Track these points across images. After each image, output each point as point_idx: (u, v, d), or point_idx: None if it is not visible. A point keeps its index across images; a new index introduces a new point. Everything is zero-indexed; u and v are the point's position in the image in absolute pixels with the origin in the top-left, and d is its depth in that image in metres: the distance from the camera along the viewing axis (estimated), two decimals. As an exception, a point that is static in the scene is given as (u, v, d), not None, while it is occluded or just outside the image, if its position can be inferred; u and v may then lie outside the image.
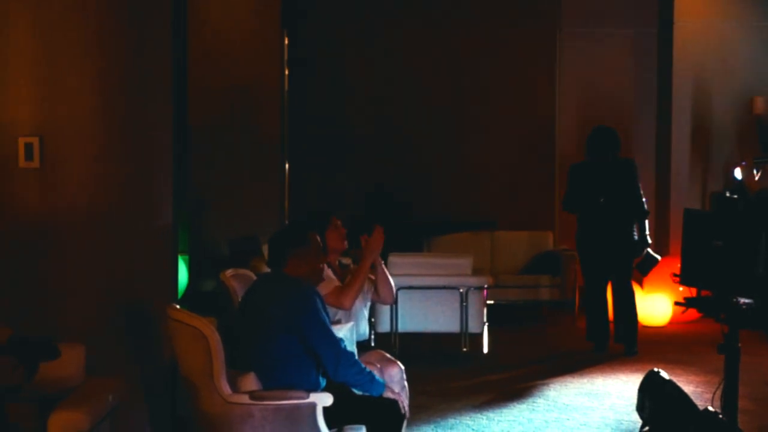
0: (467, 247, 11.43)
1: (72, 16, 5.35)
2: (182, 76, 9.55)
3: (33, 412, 4.44)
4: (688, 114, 12.46)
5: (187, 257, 10.19)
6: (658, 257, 9.62)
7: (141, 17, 5.59)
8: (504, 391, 8.07)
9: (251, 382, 4.88)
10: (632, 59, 12.81)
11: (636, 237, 9.42)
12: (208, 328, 4.81)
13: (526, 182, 12.71)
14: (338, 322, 5.86)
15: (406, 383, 5.88)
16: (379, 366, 5.72)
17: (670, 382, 6.62)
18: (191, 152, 10.12)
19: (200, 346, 4.79)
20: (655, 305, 11.03)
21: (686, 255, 6.10)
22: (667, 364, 8.48)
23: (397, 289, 8.93)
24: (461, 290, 9.16)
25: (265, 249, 6.03)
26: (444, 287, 9.19)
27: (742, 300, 5.61)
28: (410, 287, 9.02)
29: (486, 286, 9.30)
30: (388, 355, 6.03)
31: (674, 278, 6.19)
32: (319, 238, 5.29)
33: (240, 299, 5.44)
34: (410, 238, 11.58)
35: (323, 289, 5.78)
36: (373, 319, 8.84)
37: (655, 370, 6.87)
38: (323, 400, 4.81)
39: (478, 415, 7.28)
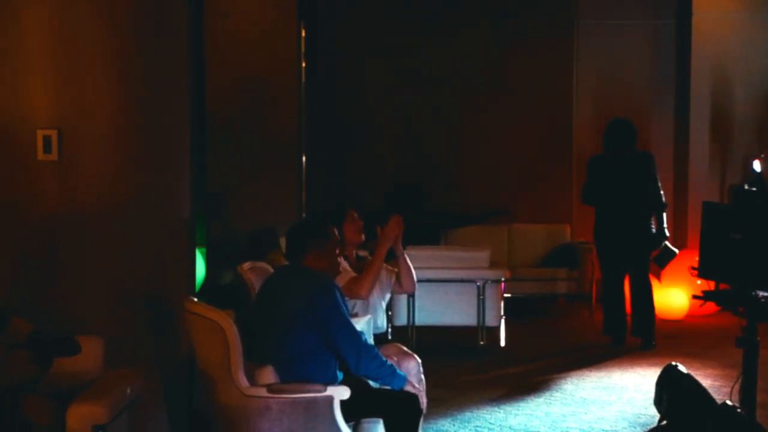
0: (484, 240, 11.41)
1: (90, 8, 5.36)
2: (200, 69, 9.56)
3: (51, 406, 4.45)
4: (706, 106, 12.40)
5: (204, 250, 10.21)
6: (676, 250, 9.59)
7: (159, 10, 5.59)
8: (521, 384, 8.06)
9: (269, 375, 4.88)
10: (650, 51, 12.76)
11: (654, 230, 9.39)
12: (225, 320, 4.82)
13: (543, 175, 12.67)
14: (356, 315, 5.86)
15: (423, 376, 5.88)
16: (396, 359, 5.72)
17: (687, 375, 6.60)
18: (208, 145, 10.13)
19: (218, 339, 4.80)
20: (673, 298, 10.99)
21: (704, 248, 6.07)
22: (684, 357, 8.46)
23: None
24: (478, 283, 9.15)
25: (283, 242, 6.03)
26: (461, 280, 9.18)
27: (761, 293, 5.58)
28: (427, 280, 9.00)
29: (503, 279, 9.29)
30: (405, 349, 6.03)
31: (692, 271, 6.17)
32: (336, 231, 5.29)
33: (257, 291, 5.44)
34: (427, 231, 11.56)
35: (340, 281, 5.80)
36: (390, 313, 8.83)
37: (673, 363, 6.85)
38: (341, 393, 4.81)
39: (495, 409, 7.27)
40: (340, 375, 5.07)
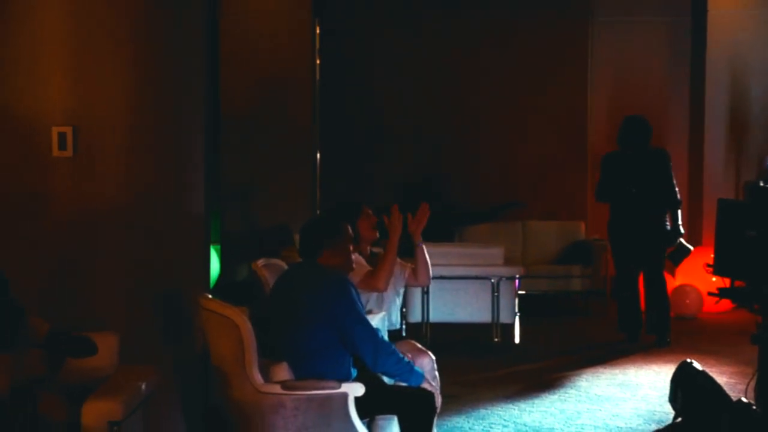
0: (498, 237, 11.40)
1: (106, 7, 5.37)
2: (214, 68, 9.58)
3: (66, 403, 4.47)
4: (721, 103, 12.35)
5: (218, 247, 10.23)
6: (691, 247, 9.56)
7: (174, 8, 5.61)
8: (535, 381, 8.05)
9: (283, 371, 4.88)
10: (665, 48, 12.73)
11: (669, 227, 9.37)
12: (240, 317, 4.82)
13: (557, 172, 12.65)
14: (370, 311, 5.86)
15: (437, 373, 5.87)
16: (410, 356, 5.72)
17: (702, 373, 6.58)
18: (223, 143, 10.15)
19: (232, 336, 4.81)
20: (688, 295, 10.96)
21: (719, 245, 6.05)
22: (699, 354, 8.44)
23: (429, 280, 8.94)
24: (493, 280, 9.14)
25: (297, 239, 6.05)
26: (475, 277, 9.18)
27: (777, 290, 5.56)
28: (442, 277, 9.00)
29: (517, 276, 9.28)
30: (419, 345, 6.03)
31: (707, 268, 6.15)
32: (350, 228, 5.30)
33: (271, 288, 5.45)
34: (441, 229, 11.56)
35: (355, 276, 5.80)
36: (404, 309, 8.84)
37: (688, 360, 6.83)
38: (355, 390, 4.81)
39: (510, 406, 7.26)
40: (354, 371, 5.08)
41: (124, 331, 5.06)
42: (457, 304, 9.19)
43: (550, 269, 11.48)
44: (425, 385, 5.06)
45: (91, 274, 5.39)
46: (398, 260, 6.17)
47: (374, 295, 6.10)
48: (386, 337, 5.66)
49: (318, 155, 11.35)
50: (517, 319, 9.28)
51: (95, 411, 4.31)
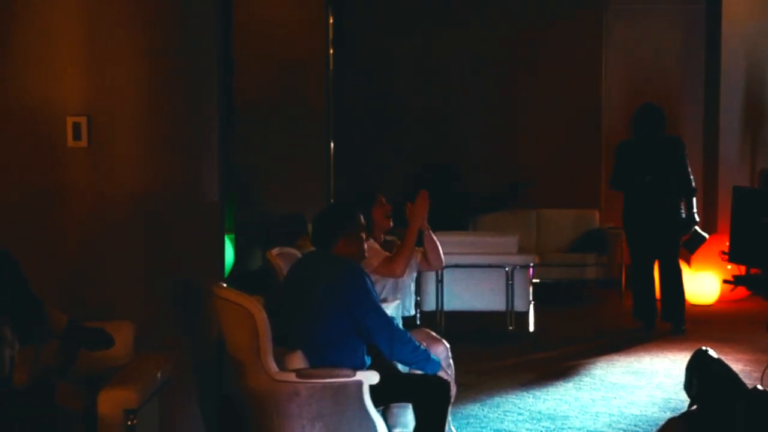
0: (513, 225, 11.41)
1: (119, -5, 5.38)
2: (228, 56, 9.58)
3: (82, 391, 4.48)
4: (736, 90, 12.31)
5: (233, 236, 10.24)
6: (706, 235, 9.54)
7: (187, -3, 5.61)
8: (550, 369, 8.05)
9: (298, 360, 4.89)
10: (680, 35, 12.68)
11: (683, 215, 9.35)
12: (254, 306, 4.83)
13: (572, 160, 12.63)
14: (384, 300, 5.87)
15: (451, 362, 5.88)
16: (425, 344, 5.72)
17: (718, 360, 6.57)
18: (237, 132, 10.15)
19: (247, 325, 4.82)
20: (703, 283, 10.94)
21: (735, 233, 6.05)
22: (715, 342, 8.42)
23: (443, 268, 8.94)
24: (507, 269, 9.14)
25: (311, 228, 6.05)
26: (489, 266, 9.17)
27: (792, 278, 5.54)
28: (456, 266, 9.00)
29: (532, 264, 9.28)
30: (433, 334, 6.04)
31: (723, 256, 6.15)
32: (362, 217, 5.29)
33: (284, 276, 5.46)
34: (456, 217, 11.56)
35: (373, 261, 5.82)
36: (418, 298, 8.84)
37: (703, 348, 6.81)
38: (370, 378, 4.82)
39: (524, 394, 7.27)
40: (368, 360, 5.08)
41: (140, 320, 5.07)
42: (472, 292, 9.19)
43: (564, 258, 11.47)
44: (441, 374, 5.06)
45: (107, 263, 5.39)
46: None
47: (389, 283, 6.11)
48: (401, 326, 5.67)
49: (332, 144, 11.35)
50: (531, 307, 9.27)
51: (111, 399, 4.32)
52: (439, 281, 9.14)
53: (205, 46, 5.75)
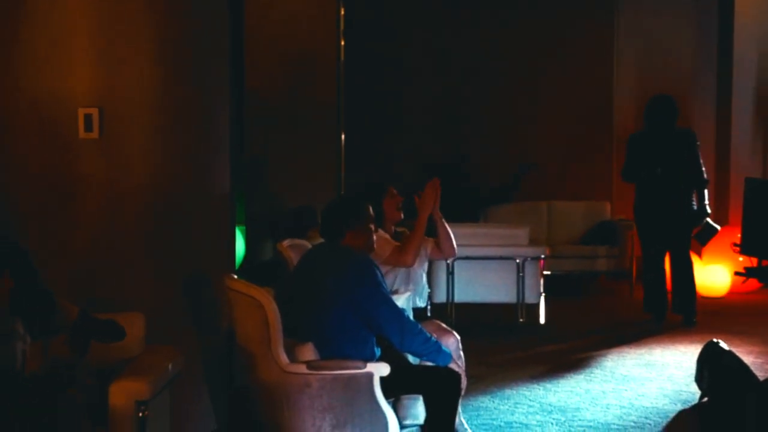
0: (524, 217, 11.39)
1: (129, -13, 5.38)
2: (239, 47, 9.57)
3: (94, 382, 4.50)
4: (749, 81, 12.26)
5: (243, 228, 10.25)
6: (718, 227, 9.51)
7: (197, -12, 5.61)
8: (561, 361, 8.05)
9: (309, 351, 4.90)
10: (692, 26, 12.63)
11: (695, 207, 9.32)
12: (265, 297, 4.84)
13: (583, 152, 12.60)
14: (396, 291, 5.87)
15: (462, 353, 5.88)
16: (435, 336, 5.72)
17: (729, 352, 6.57)
18: (247, 123, 10.15)
19: (258, 316, 4.82)
20: (714, 275, 10.93)
21: (747, 224, 6.03)
22: (726, 334, 8.40)
23: (454, 260, 8.95)
24: (518, 261, 9.13)
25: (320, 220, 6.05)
26: (500, 258, 9.17)
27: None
28: (467, 258, 9.00)
29: (543, 256, 9.27)
30: (444, 326, 6.04)
31: (734, 248, 6.13)
32: (372, 209, 5.28)
33: (294, 268, 5.46)
34: (466, 209, 11.55)
35: (384, 252, 5.83)
36: (429, 290, 8.84)
37: (714, 340, 6.81)
38: (380, 370, 4.82)
39: (535, 386, 7.26)
40: (378, 351, 5.08)
41: (151, 312, 5.08)
42: (482, 284, 9.19)
43: (575, 250, 11.46)
44: (452, 365, 5.06)
45: (118, 254, 5.41)
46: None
47: (401, 274, 6.12)
48: (412, 317, 5.66)
49: (343, 136, 11.34)
50: (542, 299, 9.27)
51: (123, 391, 4.34)
52: (450, 273, 9.14)
53: (216, 37, 5.76)
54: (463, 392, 5.28)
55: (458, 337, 5.91)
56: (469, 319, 9.15)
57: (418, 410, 5.26)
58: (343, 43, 11.19)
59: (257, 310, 4.82)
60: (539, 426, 6.31)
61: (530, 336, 9.02)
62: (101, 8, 5.34)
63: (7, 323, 3.26)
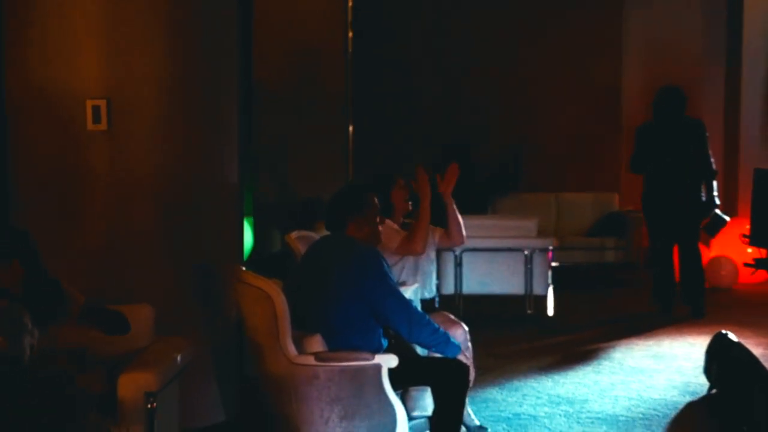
0: (532, 208, 11.39)
1: (137, -21, 5.38)
2: (247, 39, 9.57)
3: (103, 373, 4.51)
4: (758, 72, 12.22)
5: (252, 220, 10.26)
6: (727, 218, 9.49)
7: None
8: (569, 353, 8.05)
9: (317, 343, 4.90)
10: (701, 16, 12.58)
11: (704, 198, 9.30)
12: (273, 289, 4.84)
13: (591, 143, 12.58)
14: (404, 283, 5.87)
15: (470, 345, 5.88)
16: (443, 328, 5.72)
17: (737, 344, 6.56)
18: (256, 115, 10.15)
19: (266, 308, 4.82)
20: (723, 267, 10.90)
21: (756, 215, 6.02)
22: (735, 326, 8.38)
23: (462, 251, 8.95)
24: (526, 252, 9.12)
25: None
26: (508, 249, 9.16)
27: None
28: (475, 249, 9.00)
29: (551, 247, 9.26)
30: (452, 317, 6.04)
31: (743, 239, 6.12)
32: (377, 200, 5.26)
33: (300, 259, 5.46)
34: (475, 200, 11.54)
35: (393, 242, 5.83)
36: (437, 281, 8.84)
37: (723, 332, 6.81)
38: (388, 361, 4.82)
39: (543, 377, 7.26)
40: (384, 342, 5.07)
41: (159, 303, 5.09)
42: (490, 275, 9.19)
43: (583, 241, 11.45)
44: (461, 357, 5.06)
45: (127, 246, 5.42)
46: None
47: (408, 265, 6.12)
48: (420, 308, 5.66)
49: (351, 128, 11.34)
50: (550, 290, 9.26)
51: (131, 382, 4.35)
52: (458, 265, 9.14)
53: (225, 30, 5.75)
54: (471, 384, 5.28)
55: (466, 329, 5.90)
56: (477, 310, 9.14)
57: (427, 402, 5.27)
58: (351, 34, 11.18)
59: (265, 301, 4.82)
60: (547, 417, 6.31)
61: (538, 328, 9.01)
62: (110, 0, 5.34)
63: (16, 316, 3.27)
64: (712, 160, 9.34)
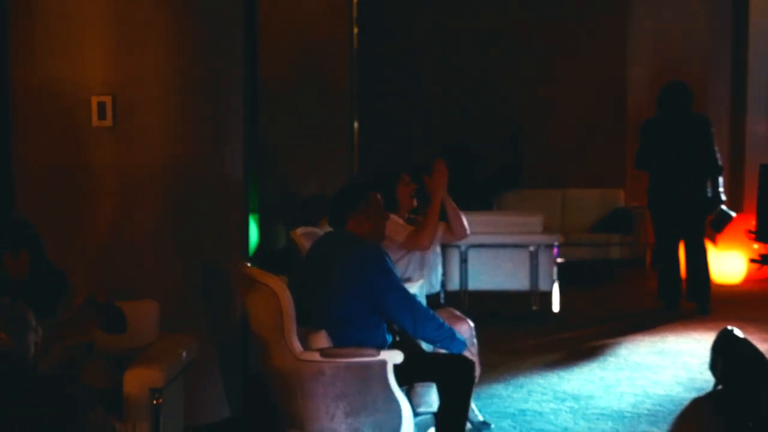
0: (537, 205, 11.37)
1: (142, -25, 5.38)
2: (252, 35, 9.57)
3: (108, 369, 4.51)
4: (764, 67, 12.19)
5: (257, 216, 10.26)
6: (733, 214, 9.47)
7: (210, -24, 5.60)
8: (575, 349, 8.04)
9: (322, 339, 4.90)
10: (706, 11, 12.55)
11: (710, 193, 9.28)
12: (279, 285, 4.83)
13: (597, 139, 12.57)
14: (409, 279, 5.87)
15: (475, 341, 5.88)
16: (448, 324, 5.71)
17: (743, 340, 6.55)
18: (261, 111, 10.15)
19: (271, 304, 4.82)
20: (729, 263, 10.89)
21: (762, 211, 6.00)
22: (740, 322, 8.37)
23: (467, 247, 8.94)
24: (531, 248, 9.11)
25: (328, 208, 6.06)
26: (514, 245, 9.15)
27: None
28: (480, 245, 8.99)
29: (556, 244, 9.25)
30: (457, 313, 6.03)
31: (749, 235, 6.11)
32: (380, 196, 5.24)
33: (305, 256, 5.46)
34: (480, 197, 11.54)
35: (399, 236, 5.83)
36: (443, 274, 8.83)
37: (729, 328, 6.80)
38: (394, 357, 4.81)
39: (549, 374, 7.26)
40: (389, 337, 5.06)
41: (165, 300, 5.09)
42: (496, 272, 9.18)
43: (589, 237, 11.44)
44: (466, 354, 5.05)
45: (131, 242, 5.42)
46: None
47: (414, 260, 6.11)
48: (425, 303, 5.65)
49: (356, 124, 11.34)
50: (555, 287, 9.25)
51: (137, 378, 4.35)
52: (463, 261, 9.13)
53: (230, 26, 5.75)
54: (476, 380, 5.27)
55: (472, 325, 5.90)
56: (482, 306, 9.13)
57: (432, 398, 5.26)
58: (356, 31, 11.17)
59: (271, 298, 4.82)
60: (553, 414, 6.30)
61: (544, 324, 9.01)
62: (115, -3, 5.35)
63: (20, 314, 3.27)
64: (718, 155, 9.32)
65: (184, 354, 4.77)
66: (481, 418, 5.95)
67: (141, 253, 5.43)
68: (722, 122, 12.04)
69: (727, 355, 6.50)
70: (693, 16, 12.55)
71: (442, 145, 12.43)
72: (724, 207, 9.35)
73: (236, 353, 5.82)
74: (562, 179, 12.34)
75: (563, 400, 6.61)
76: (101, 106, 5.31)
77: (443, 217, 6.32)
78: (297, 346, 4.82)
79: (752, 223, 6.38)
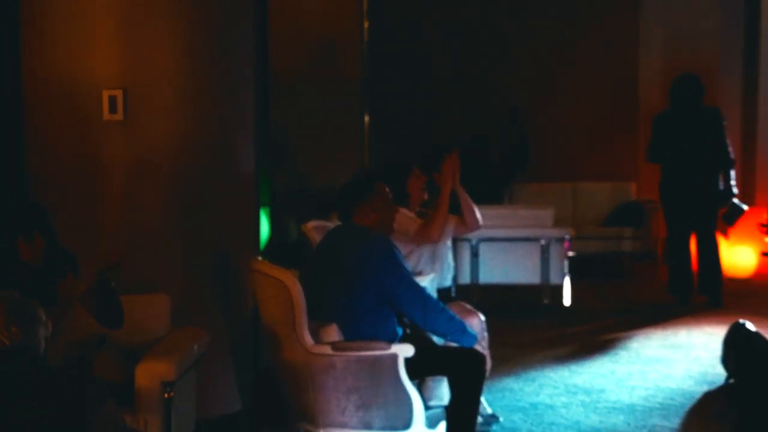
0: (548, 198, 11.35)
1: (153, -31, 5.38)
2: (263, 29, 9.57)
3: (120, 362, 4.52)
4: (775, 60, 12.15)
5: (268, 209, 10.27)
6: (745, 207, 9.45)
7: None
8: (586, 343, 8.03)
9: (333, 332, 4.90)
10: (718, 4, 12.50)
11: (721, 187, 9.25)
12: (290, 279, 4.83)
13: (608, 132, 12.54)
14: (419, 273, 5.86)
15: (486, 334, 5.87)
16: (459, 317, 5.71)
17: (756, 334, 6.53)
18: (272, 104, 10.16)
19: (282, 298, 4.82)
20: (741, 256, 10.86)
21: (774, 205, 5.97)
22: (752, 316, 8.34)
23: (478, 241, 8.94)
24: (542, 242, 9.11)
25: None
26: (525, 239, 9.15)
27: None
28: (491, 239, 8.98)
29: (567, 237, 9.24)
30: (468, 306, 6.03)
31: (761, 228, 6.09)
32: (387, 189, 5.21)
33: (314, 249, 5.46)
34: (490, 190, 11.53)
35: (410, 229, 5.82)
36: (455, 268, 8.82)
37: (741, 322, 6.78)
38: (405, 351, 4.81)
39: (560, 367, 7.25)
40: (399, 331, 5.06)
41: (176, 293, 5.10)
42: (507, 265, 9.18)
43: (600, 231, 11.42)
44: (477, 347, 5.04)
45: (143, 236, 5.42)
46: None
47: (425, 254, 6.11)
48: (436, 296, 5.65)
49: (366, 117, 11.33)
50: (567, 280, 9.24)
51: (149, 371, 4.36)
52: (474, 254, 9.13)
53: (241, 19, 5.75)
54: (487, 374, 5.27)
55: (483, 318, 5.89)
56: (493, 300, 9.13)
57: (443, 391, 5.26)
58: (366, 24, 11.17)
59: (282, 291, 4.82)
60: (564, 407, 6.30)
61: (555, 317, 9.00)
62: (126, -10, 5.34)
63: (30, 309, 3.28)
64: (730, 149, 9.29)
65: (195, 347, 4.78)
66: (489, 411, 5.95)
67: (152, 246, 5.44)
68: (734, 116, 11.98)
69: (738, 349, 6.49)
70: (705, 9, 12.50)
71: (453, 137, 12.41)
72: (735, 200, 9.32)
73: (247, 347, 5.83)
74: (573, 173, 12.31)
75: (574, 393, 6.60)
76: (112, 99, 5.32)
77: (455, 209, 6.31)
78: (308, 339, 4.82)
79: (764, 217, 6.36)
